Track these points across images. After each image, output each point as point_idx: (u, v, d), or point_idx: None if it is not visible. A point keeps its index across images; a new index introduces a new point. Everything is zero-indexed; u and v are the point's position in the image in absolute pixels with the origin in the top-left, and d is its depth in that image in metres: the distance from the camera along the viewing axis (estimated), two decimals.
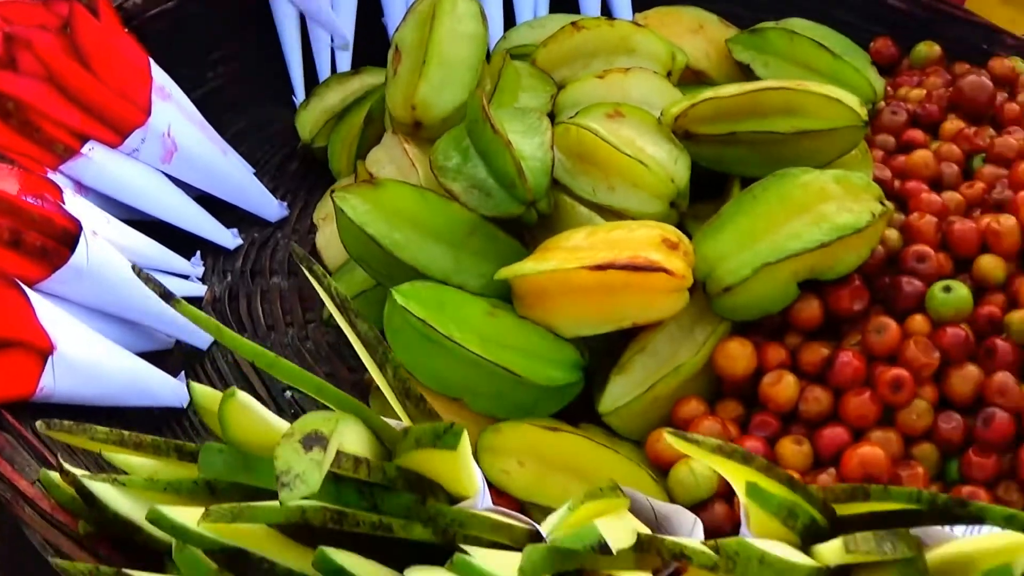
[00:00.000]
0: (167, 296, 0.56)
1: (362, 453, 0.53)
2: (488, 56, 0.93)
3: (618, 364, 0.75)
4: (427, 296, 0.73)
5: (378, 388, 0.62)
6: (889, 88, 1.02)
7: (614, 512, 0.59)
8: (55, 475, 0.60)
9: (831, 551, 0.52)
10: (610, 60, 0.93)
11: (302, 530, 0.52)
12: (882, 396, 0.72)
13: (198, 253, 0.93)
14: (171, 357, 0.85)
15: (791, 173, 0.77)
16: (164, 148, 0.89)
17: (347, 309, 0.61)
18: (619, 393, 0.74)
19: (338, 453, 0.49)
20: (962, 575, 0.51)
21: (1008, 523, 0.49)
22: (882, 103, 0.98)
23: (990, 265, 0.78)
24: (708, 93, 0.83)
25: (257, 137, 1.06)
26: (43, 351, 0.69)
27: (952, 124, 0.94)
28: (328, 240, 0.90)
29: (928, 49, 1.07)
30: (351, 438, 0.52)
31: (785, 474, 0.55)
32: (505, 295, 0.76)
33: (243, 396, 0.55)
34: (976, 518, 0.50)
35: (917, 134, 0.94)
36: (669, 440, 0.55)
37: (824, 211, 0.75)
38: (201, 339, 0.85)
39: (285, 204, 1.00)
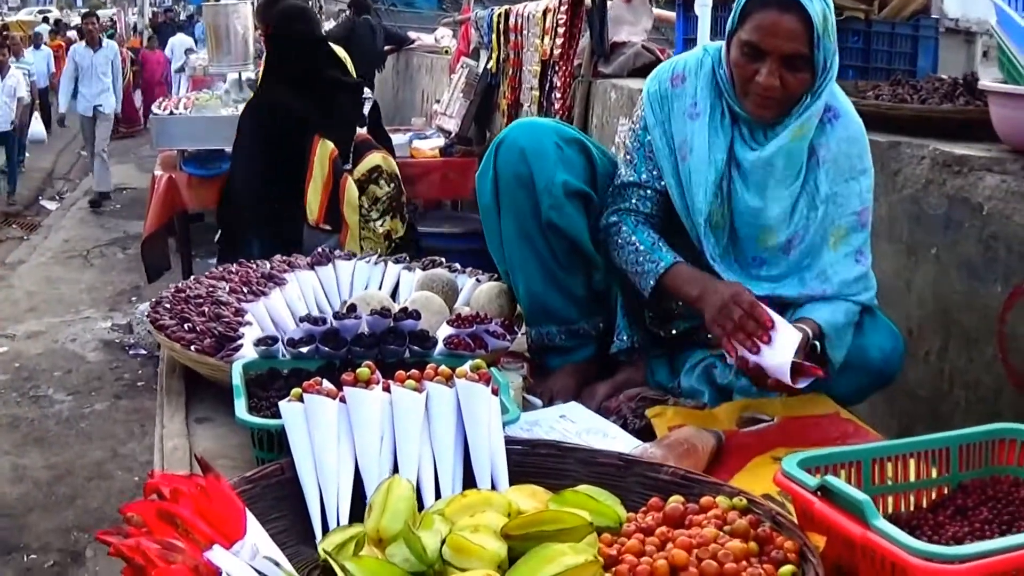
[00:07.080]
0: None
1: None
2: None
3: None
4: None
5: None
6: (640, 519, 1.94)
7: None
8: None
9: None
10: (483, 511, 1.85)
11: None
12: None
13: None
14: None
15: (549, 545, 1.67)
16: (252, 552, 1.78)
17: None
18: None
19: None
20: None
21: None
22: (627, 523, 1.89)
23: None
24: (515, 520, 1.77)
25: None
26: None
27: (661, 530, 1.85)
28: None
29: (676, 501, 2.00)
30: None
31: None
32: None
33: None
34: None
35: (639, 534, 1.84)
36: None
37: (562, 559, 1.64)
38: None
39: None
